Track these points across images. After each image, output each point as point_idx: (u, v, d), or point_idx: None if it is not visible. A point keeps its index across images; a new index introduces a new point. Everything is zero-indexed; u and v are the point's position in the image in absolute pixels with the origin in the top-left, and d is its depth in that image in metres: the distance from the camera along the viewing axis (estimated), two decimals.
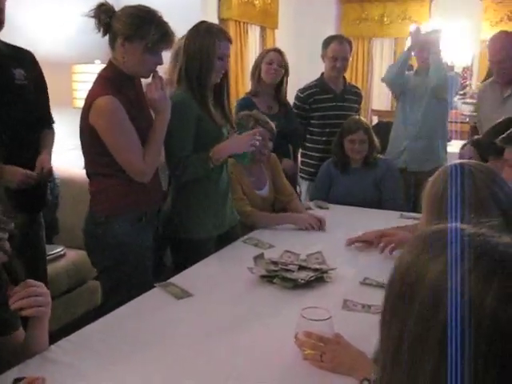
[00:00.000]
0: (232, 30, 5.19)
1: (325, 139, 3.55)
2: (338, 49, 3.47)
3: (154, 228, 2.30)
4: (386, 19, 6.55)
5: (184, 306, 1.81)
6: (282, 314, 1.80)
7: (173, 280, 2.01)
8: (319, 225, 2.67)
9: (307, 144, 3.67)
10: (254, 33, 5.92)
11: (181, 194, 2.43)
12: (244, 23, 5.62)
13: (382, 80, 3.85)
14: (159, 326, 1.67)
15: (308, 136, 3.64)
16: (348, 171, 3.33)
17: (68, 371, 1.40)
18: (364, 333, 1.39)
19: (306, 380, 1.41)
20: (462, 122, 6.03)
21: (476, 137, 3.29)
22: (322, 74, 3.63)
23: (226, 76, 2.44)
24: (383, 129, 4.16)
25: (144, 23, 2.01)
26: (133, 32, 2.01)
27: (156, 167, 2.18)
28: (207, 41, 2.30)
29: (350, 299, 1.85)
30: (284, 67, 3.29)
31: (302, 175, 3.75)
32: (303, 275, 2.00)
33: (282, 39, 6.36)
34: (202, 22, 2.39)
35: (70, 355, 1.47)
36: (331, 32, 7.05)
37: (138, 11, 2.05)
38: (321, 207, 3.19)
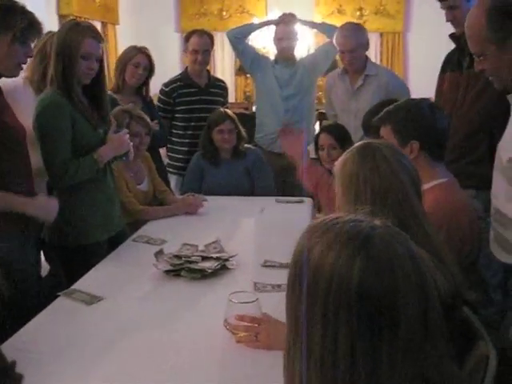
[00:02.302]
0: None
1: (190, 133, 3.58)
2: (197, 42, 3.50)
3: (38, 240, 2.21)
4: (225, 13, 6.71)
5: (98, 311, 1.75)
6: (199, 304, 1.83)
7: (76, 286, 1.93)
8: (199, 202, 2.96)
9: (173, 139, 3.66)
10: None
11: (66, 201, 2.31)
12: (84, 19, 5.42)
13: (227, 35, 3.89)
14: (78, 336, 1.60)
15: (173, 131, 3.64)
16: (218, 163, 3.39)
17: None
18: (281, 309, 1.47)
19: (247, 362, 1.45)
20: None
21: (327, 124, 3.54)
22: (187, 68, 3.64)
23: (101, 77, 2.37)
24: (239, 119, 4.28)
25: (8, 13, 1.93)
26: None
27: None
28: (70, 38, 2.21)
29: (258, 281, 1.92)
30: (149, 68, 3.25)
31: (170, 170, 3.74)
32: (208, 265, 2.03)
33: (123, 35, 6.25)
34: (71, 20, 2.34)
35: None
36: (171, 27, 7.09)
37: None
38: None
